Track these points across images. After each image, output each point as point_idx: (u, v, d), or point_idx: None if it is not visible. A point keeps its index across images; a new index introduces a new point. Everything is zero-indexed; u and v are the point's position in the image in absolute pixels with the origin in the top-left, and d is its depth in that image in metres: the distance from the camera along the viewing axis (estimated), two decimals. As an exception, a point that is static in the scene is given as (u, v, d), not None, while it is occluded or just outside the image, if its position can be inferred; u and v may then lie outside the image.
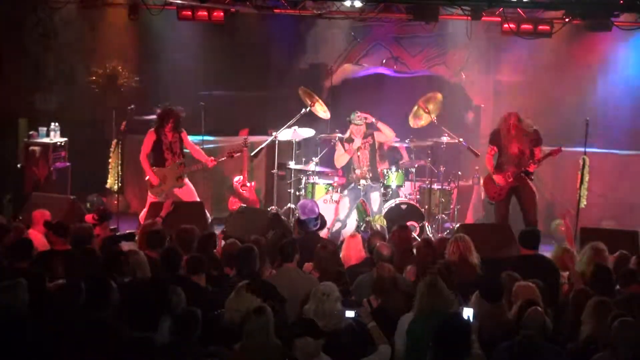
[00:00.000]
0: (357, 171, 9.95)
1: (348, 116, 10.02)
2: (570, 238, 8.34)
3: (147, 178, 9.83)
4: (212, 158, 9.90)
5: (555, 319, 5.86)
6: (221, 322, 5.48)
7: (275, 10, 11.81)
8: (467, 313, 5.52)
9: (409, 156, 11.02)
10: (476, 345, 5.16)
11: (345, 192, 10.06)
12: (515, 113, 9.58)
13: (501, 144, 9.58)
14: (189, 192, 9.88)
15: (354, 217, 10.19)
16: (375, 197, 9.96)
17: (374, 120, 10.01)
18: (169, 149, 9.75)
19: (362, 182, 9.92)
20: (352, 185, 10.02)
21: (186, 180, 9.92)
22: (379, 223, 9.77)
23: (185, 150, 9.98)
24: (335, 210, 10.09)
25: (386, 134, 10.04)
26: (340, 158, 10.03)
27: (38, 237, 7.54)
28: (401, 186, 10.57)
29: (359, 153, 9.92)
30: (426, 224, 10.37)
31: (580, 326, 5.54)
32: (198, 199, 9.94)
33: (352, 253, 7.67)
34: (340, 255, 7.83)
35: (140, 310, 5.11)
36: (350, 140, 9.97)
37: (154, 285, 5.70)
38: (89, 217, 8.67)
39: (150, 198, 9.77)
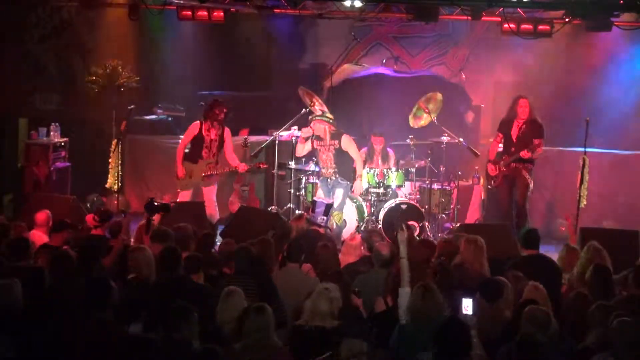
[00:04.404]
0: (323, 170, 10.23)
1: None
2: (573, 238, 8.34)
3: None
4: (245, 164, 9.88)
5: (557, 320, 5.84)
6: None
7: (275, 10, 11.81)
8: (467, 304, 5.51)
9: (410, 156, 10.96)
10: (478, 345, 5.16)
11: (319, 183, 10.32)
12: (528, 97, 10.04)
13: (506, 129, 10.05)
14: (211, 193, 9.81)
15: (354, 217, 10.22)
16: (338, 194, 10.16)
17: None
18: (208, 147, 9.72)
19: (331, 177, 10.18)
20: (322, 177, 10.26)
21: (215, 184, 9.86)
22: (336, 219, 9.97)
23: None
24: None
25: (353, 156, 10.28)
26: (297, 148, 10.31)
27: (42, 238, 7.55)
28: (401, 186, 10.57)
29: (324, 155, 10.08)
30: (426, 224, 10.36)
31: (579, 327, 5.54)
32: (215, 202, 9.88)
33: (350, 258, 7.67)
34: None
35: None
36: (318, 138, 10.17)
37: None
38: (89, 218, 8.65)
39: (179, 192, 9.80)
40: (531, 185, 9.96)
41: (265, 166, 10.37)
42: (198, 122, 9.77)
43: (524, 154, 9.75)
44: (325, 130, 10.16)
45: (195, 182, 9.74)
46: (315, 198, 9.92)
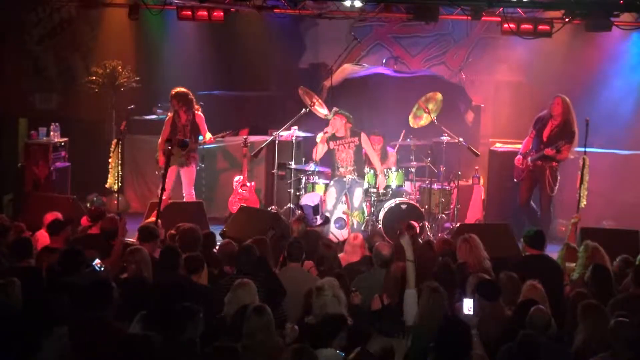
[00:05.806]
0: (341, 169, 10.05)
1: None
2: (572, 238, 8.34)
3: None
4: (211, 136, 10.21)
5: (558, 320, 5.85)
6: (223, 322, 5.49)
7: (275, 10, 11.81)
8: (467, 304, 5.51)
9: (409, 158, 10.96)
10: (478, 345, 5.16)
11: (331, 182, 10.12)
12: (563, 97, 10.11)
13: (540, 127, 10.18)
14: (190, 176, 10.13)
15: (341, 208, 10.22)
16: (358, 193, 10.05)
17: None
18: (181, 132, 10.06)
19: (348, 176, 10.02)
20: (337, 177, 10.10)
21: (192, 165, 10.16)
22: (357, 219, 9.89)
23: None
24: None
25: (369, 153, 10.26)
26: (318, 149, 10.17)
27: (48, 239, 7.54)
28: (401, 186, 10.57)
29: (343, 154, 9.97)
30: (426, 223, 10.36)
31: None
32: (193, 187, 10.16)
33: (352, 258, 7.68)
34: (340, 255, 7.84)
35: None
36: (334, 137, 10.05)
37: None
38: (84, 220, 8.62)
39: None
40: (554, 191, 10.19)
41: (227, 133, 10.62)
42: (170, 115, 10.26)
43: (548, 151, 9.93)
44: (345, 126, 10.01)
45: (175, 160, 9.85)
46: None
